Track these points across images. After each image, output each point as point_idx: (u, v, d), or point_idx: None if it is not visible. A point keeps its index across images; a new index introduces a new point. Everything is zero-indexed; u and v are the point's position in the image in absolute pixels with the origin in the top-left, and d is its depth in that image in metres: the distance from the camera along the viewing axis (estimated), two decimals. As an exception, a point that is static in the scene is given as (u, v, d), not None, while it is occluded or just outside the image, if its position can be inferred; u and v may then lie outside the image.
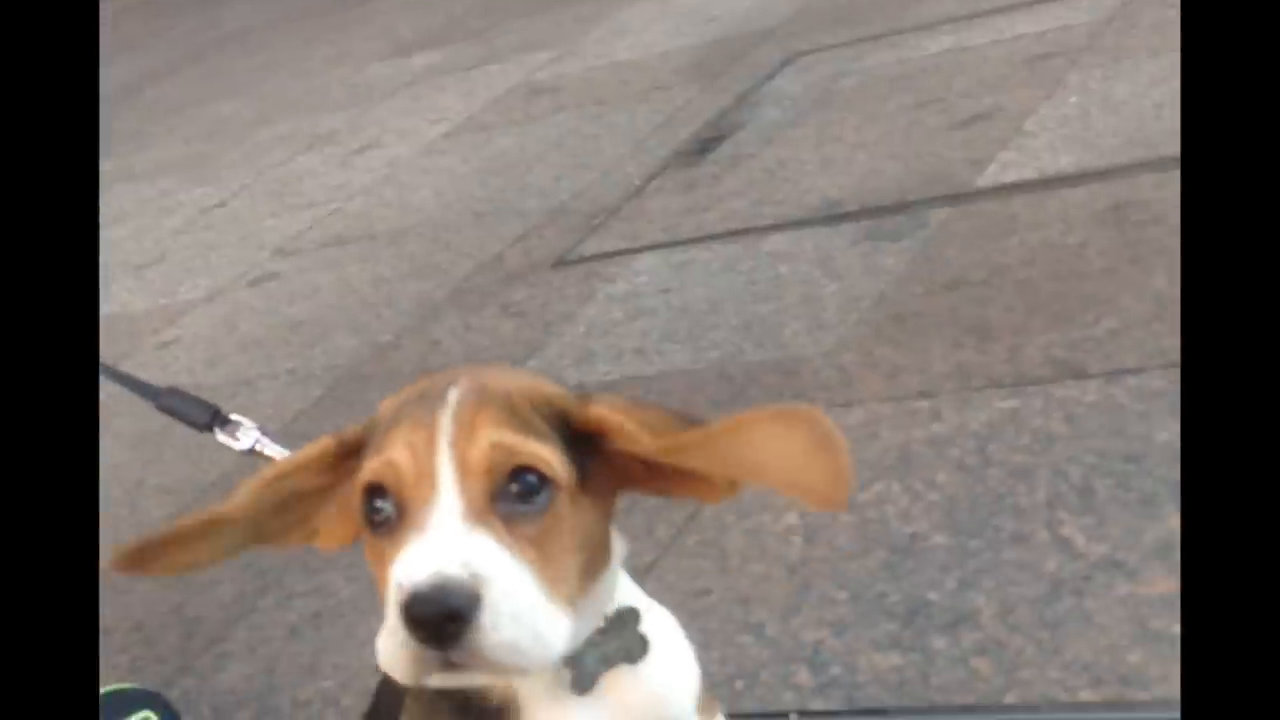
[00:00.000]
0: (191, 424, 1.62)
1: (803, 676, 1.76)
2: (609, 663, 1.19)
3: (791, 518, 2.06)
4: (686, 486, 1.15)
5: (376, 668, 1.55)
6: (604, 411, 1.13)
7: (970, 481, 2.02)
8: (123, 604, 2.45)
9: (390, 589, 1.05)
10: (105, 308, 3.90)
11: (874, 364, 2.38)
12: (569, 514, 1.11)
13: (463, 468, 1.08)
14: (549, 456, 1.09)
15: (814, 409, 1.10)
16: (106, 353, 3.37)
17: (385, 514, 1.10)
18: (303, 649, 2.16)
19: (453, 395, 1.11)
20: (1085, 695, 1.61)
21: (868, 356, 2.41)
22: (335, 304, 3.43)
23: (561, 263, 3.23)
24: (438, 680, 1.08)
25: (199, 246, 4.20)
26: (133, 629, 2.37)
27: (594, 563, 1.14)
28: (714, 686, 1.41)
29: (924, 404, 2.23)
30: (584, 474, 1.13)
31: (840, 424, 2.20)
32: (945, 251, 2.68)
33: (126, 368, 3.36)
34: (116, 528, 2.72)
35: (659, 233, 3.19)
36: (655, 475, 1.16)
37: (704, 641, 1.31)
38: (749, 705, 1.72)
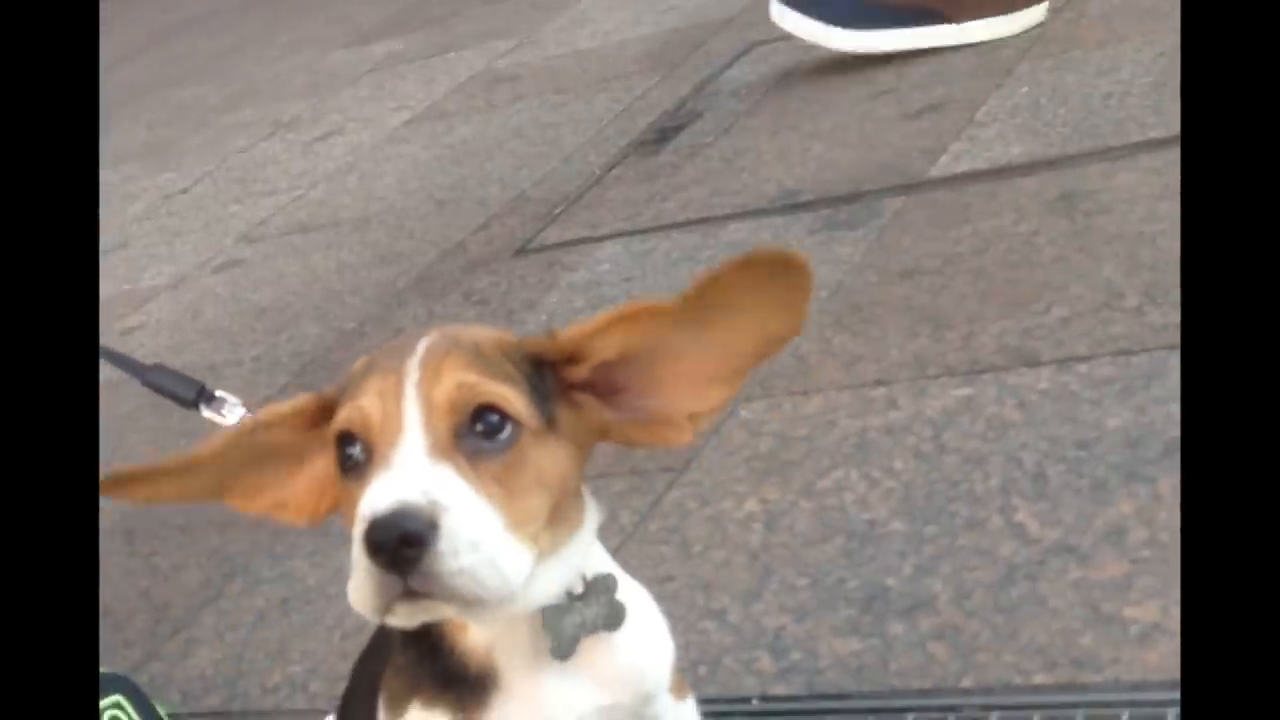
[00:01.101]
0: (178, 400, 1.65)
1: (764, 662, 1.81)
2: (587, 629, 1.24)
3: (752, 504, 2.10)
4: (651, 431, 1.21)
5: (345, 653, 1.59)
6: (575, 330, 1.19)
7: (926, 468, 2.06)
8: (91, 590, 2.48)
9: (355, 524, 1.09)
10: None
11: (832, 352, 2.42)
12: (533, 454, 1.15)
13: (427, 408, 1.13)
14: (511, 396, 1.14)
15: (776, 247, 1.16)
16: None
17: (355, 459, 1.15)
18: (270, 635, 2.19)
19: (422, 345, 1.17)
20: (1039, 678, 1.65)
21: (826, 345, 2.45)
22: (300, 291, 3.45)
23: (523, 251, 3.26)
24: (402, 615, 1.11)
25: (163, 233, 4.21)
26: (101, 613, 2.40)
27: (563, 512, 1.19)
28: (676, 671, 1.45)
29: (881, 392, 2.27)
30: (553, 422, 1.17)
31: (799, 413, 2.25)
32: (900, 240, 2.72)
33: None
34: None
35: (620, 221, 3.22)
36: (624, 420, 1.21)
37: (667, 627, 1.35)
38: (711, 690, 1.76)
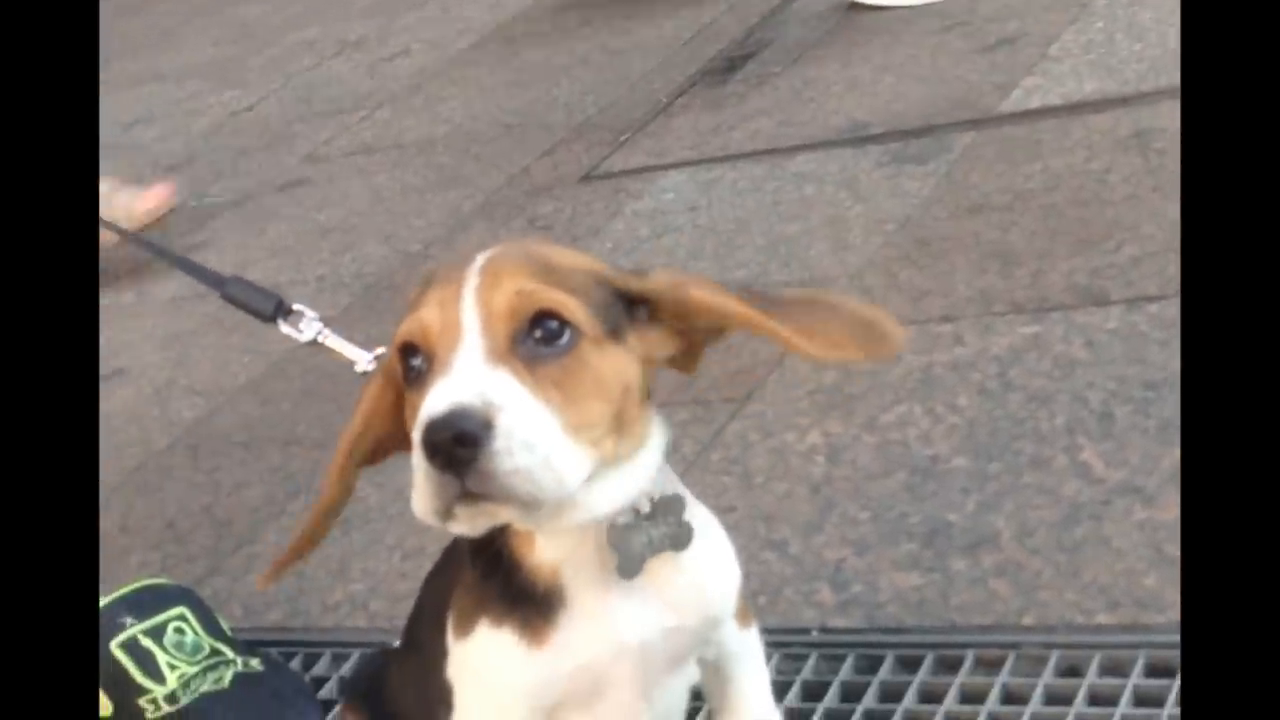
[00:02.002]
0: (256, 313, 1.65)
1: (825, 594, 1.81)
2: (655, 548, 1.24)
3: (815, 437, 2.10)
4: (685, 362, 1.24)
5: (404, 573, 1.60)
6: (669, 283, 1.21)
7: (991, 406, 2.05)
8: (156, 502, 2.50)
9: (415, 430, 1.10)
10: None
11: (898, 287, 2.41)
12: (594, 361, 1.16)
13: (486, 314, 1.14)
14: (570, 304, 1.15)
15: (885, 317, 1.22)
16: (135, 252, 3.40)
17: (418, 369, 1.16)
18: (331, 553, 2.20)
19: (484, 255, 1.18)
20: (1101, 618, 1.65)
21: (892, 279, 2.43)
22: (365, 212, 3.45)
23: (588, 177, 3.25)
24: (463, 519, 1.12)
25: (227, 150, 4.21)
26: (165, 527, 2.42)
27: (628, 423, 1.19)
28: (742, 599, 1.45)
29: (947, 328, 2.26)
30: (618, 334, 1.18)
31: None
32: (970, 176, 2.70)
33: (155, 267, 3.40)
34: (144, 427, 2.76)
35: (686, 150, 3.21)
36: (684, 353, 1.23)
37: (734, 553, 1.35)
38: (771, 621, 1.76)
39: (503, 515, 1.14)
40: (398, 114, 4.05)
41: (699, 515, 1.29)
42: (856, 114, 3.11)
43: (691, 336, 1.23)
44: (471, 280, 1.15)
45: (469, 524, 1.14)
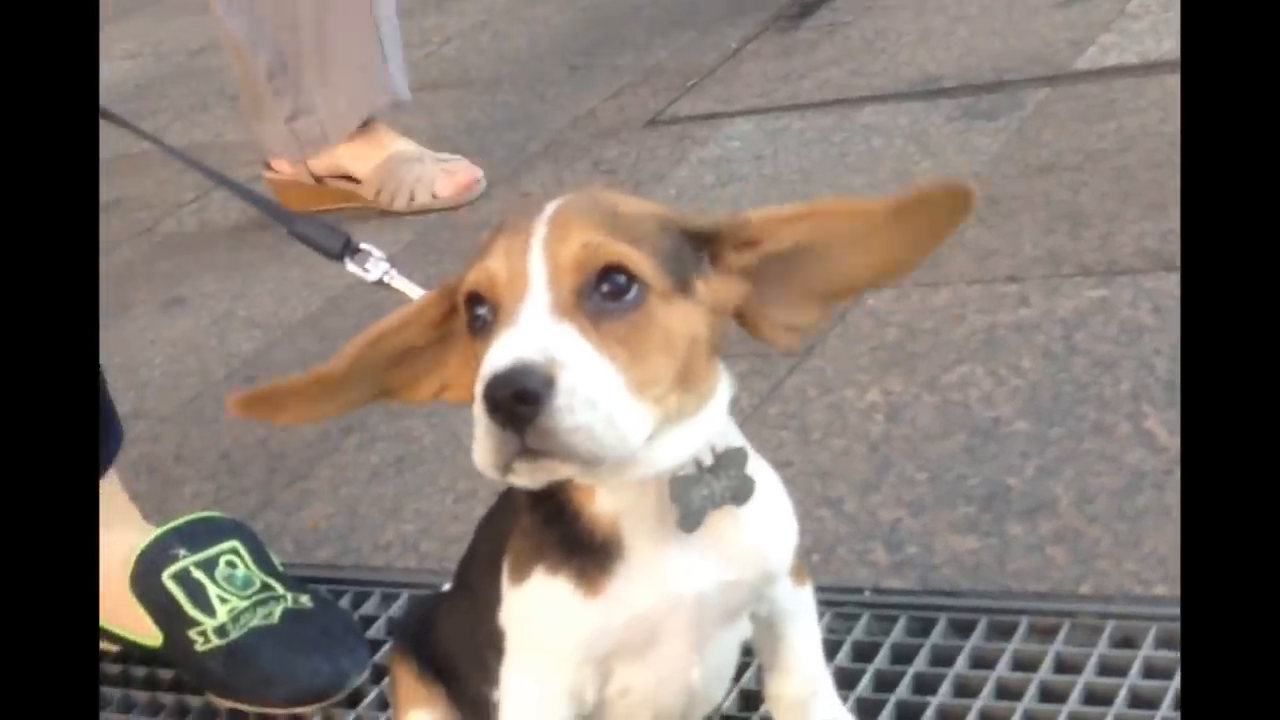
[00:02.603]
0: (323, 251, 1.65)
1: (879, 554, 1.79)
2: (715, 501, 1.23)
3: (875, 395, 2.08)
4: (768, 327, 1.22)
5: (456, 515, 1.59)
6: (767, 212, 1.20)
7: (1055, 369, 2.03)
8: (211, 433, 2.50)
9: (478, 383, 1.09)
10: (200, 136, 3.93)
11: (964, 244, 2.38)
12: (661, 316, 1.14)
13: (552, 266, 1.12)
14: (639, 257, 1.13)
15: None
16: (200, 181, 3.40)
17: (483, 319, 1.15)
18: (384, 492, 2.20)
19: (553, 204, 1.16)
20: (1160, 589, 1.63)
21: (959, 237, 2.39)
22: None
23: (654, 122, 3.23)
24: (523, 474, 1.11)
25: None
26: (220, 458, 2.42)
27: (693, 377, 1.17)
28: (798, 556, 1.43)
29: (1013, 288, 2.23)
30: (687, 287, 1.16)
31: (927, 305, 2.23)
32: (1041, 133, 2.67)
33: (218, 197, 3.39)
34: (202, 358, 2.76)
35: (754, 97, 3.18)
36: (754, 309, 1.21)
37: (792, 509, 1.33)
38: (824, 579, 1.74)
39: (563, 471, 1.12)
40: (464, 50, 4.03)
41: (759, 469, 1.27)
42: (928, 66, 3.07)
43: (761, 282, 1.21)
44: (540, 231, 1.14)
45: (529, 478, 1.13)
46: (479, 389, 1.08)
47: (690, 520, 1.22)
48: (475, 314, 1.16)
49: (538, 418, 1.06)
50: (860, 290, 1.24)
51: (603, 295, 1.12)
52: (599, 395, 1.09)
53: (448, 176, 3.10)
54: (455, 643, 1.43)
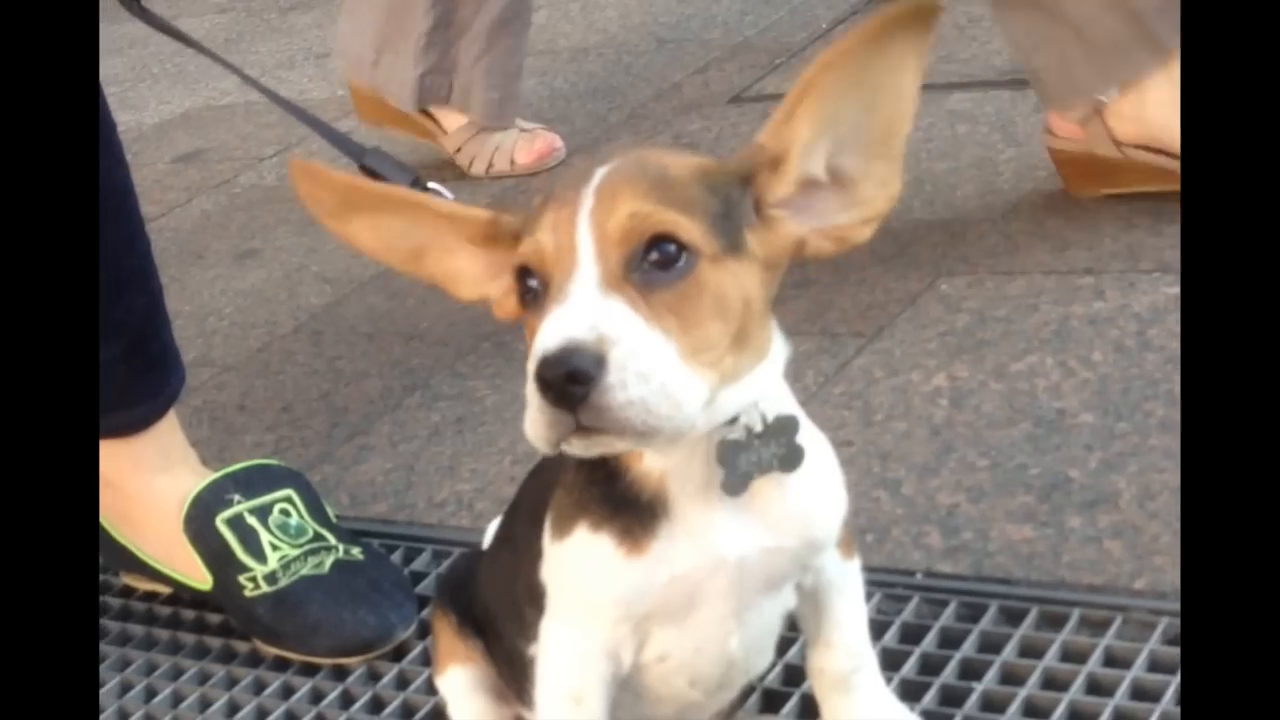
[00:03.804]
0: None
1: (934, 538, 1.77)
2: (762, 468, 1.21)
3: (941, 379, 2.05)
4: (837, 237, 1.18)
5: (513, 477, 1.59)
6: (770, 125, 1.17)
7: (1126, 363, 1.99)
8: (276, 384, 2.50)
9: (530, 360, 1.08)
10: (284, 92, 3.92)
11: (1043, 235, 2.35)
12: (712, 280, 1.12)
13: (600, 238, 1.11)
14: (686, 224, 1.11)
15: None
16: (282, 136, 3.42)
17: (534, 291, 1.14)
18: (443, 450, 2.20)
19: (600, 171, 1.14)
20: (1216, 590, 1.60)
21: (1038, 227, 2.37)
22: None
23: (739, 99, 3.21)
24: (577, 448, 1.10)
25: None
26: (282, 410, 2.43)
27: (748, 337, 1.16)
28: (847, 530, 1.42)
29: (1088, 280, 2.20)
30: (738, 246, 1.14)
31: (1000, 292, 2.20)
32: (1130, 129, 2.63)
33: (298, 153, 3.40)
34: (272, 310, 2.77)
35: (840, 78, 3.15)
36: (813, 231, 1.18)
37: (843, 480, 1.31)
38: (876, 560, 1.73)
39: (618, 446, 1.12)
40: (553, 19, 4.02)
41: (811, 438, 1.26)
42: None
43: (812, 198, 1.18)
44: (586, 202, 1.12)
45: (583, 451, 1.12)
46: (531, 367, 1.07)
47: (734, 485, 1.21)
48: (527, 285, 1.15)
49: (590, 396, 1.05)
50: (902, 129, 1.18)
51: (652, 264, 1.11)
52: (651, 368, 1.07)
53: (527, 144, 3.10)
54: (494, 596, 1.42)
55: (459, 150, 3.13)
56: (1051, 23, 2.33)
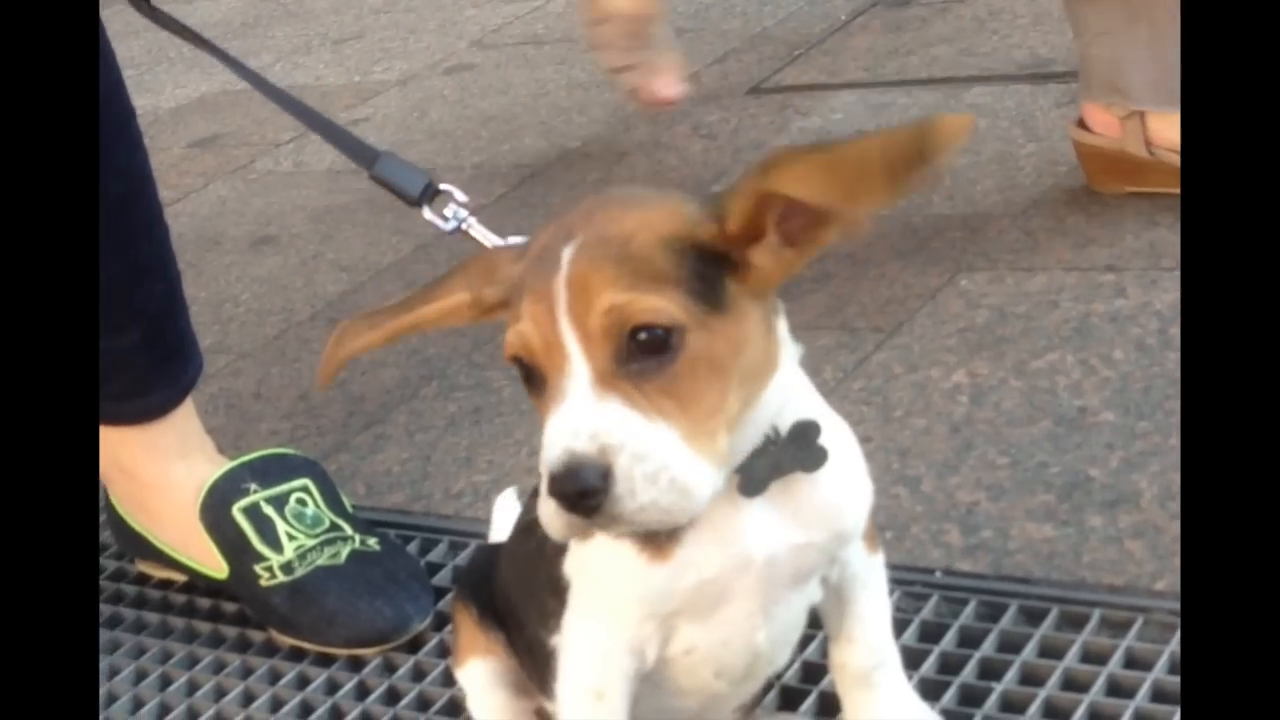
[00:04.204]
0: (401, 197, 1.65)
1: (953, 536, 1.76)
2: (783, 471, 1.21)
3: (960, 376, 2.04)
4: (826, 235, 1.13)
5: (530, 469, 1.58)
6: (736, 205, 1.12)
7: (1147, 362, 1.99)
8: (292, 372, 2.50)
9: (541, 456, 1.10)
10: (300, 78, 3.93)
11: (1064, 231, 2.34)
12: (703, 348, 1.11)
13: (583, 335, 1.10)
14: (664, 305, 1.10)
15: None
16: (298, 122, 3.39)
17: (532, 378, 1.14)
18: (459, 441, 2.19)
19: (566, 255, 1.12)
20: (1238, 593, 1.59)
21: (1059, 223, 2.36)
22: (528, 103, 3.42)
23: (757, 90, 3.19)
24: (601, 535, 1.15)
25: (398, 28, 4.20)
26: (299, 398, 2.42)
27: (751, 375, 1.15)
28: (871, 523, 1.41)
29: (1110, 278, 2.19)
30: (721, 302, 1.12)
31: (1021, 289, 2.19)
32: (1151, 125, 2.61)
33: (315, 139, 3.39)
34: (288, 297, 2.77)
35: (860, 71, 3.14)
36: (804, 245, 1.14)
37: (868, 471, 1.31)
38: (895, 557, 1.72)
39: (633, 534, 1.17)
40: (571, 7, 4.00)
41: (834, 430, 1.25)
42: (1040, 50, 3.02)
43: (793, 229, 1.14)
44: (560, 295, 1.10)
45: (609, 536, 1.17)
46: (543, 470, 1.09)
47: (752, 487, 1.20)
48: (522, 368, 1.15)
49: (603, 506, 1.08)
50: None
51: (641, 350, 1.10)
52: (658, 468, 1.09)
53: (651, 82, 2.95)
54: (515, 584, 1.41)
55: None
56: (1129, 20, 2.30)
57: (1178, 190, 2.29)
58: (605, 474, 1.07)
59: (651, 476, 1.08)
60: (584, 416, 1.09)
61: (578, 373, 1.10)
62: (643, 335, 1.10)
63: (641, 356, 1.10)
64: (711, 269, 1.13)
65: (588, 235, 1.13)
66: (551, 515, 1.10)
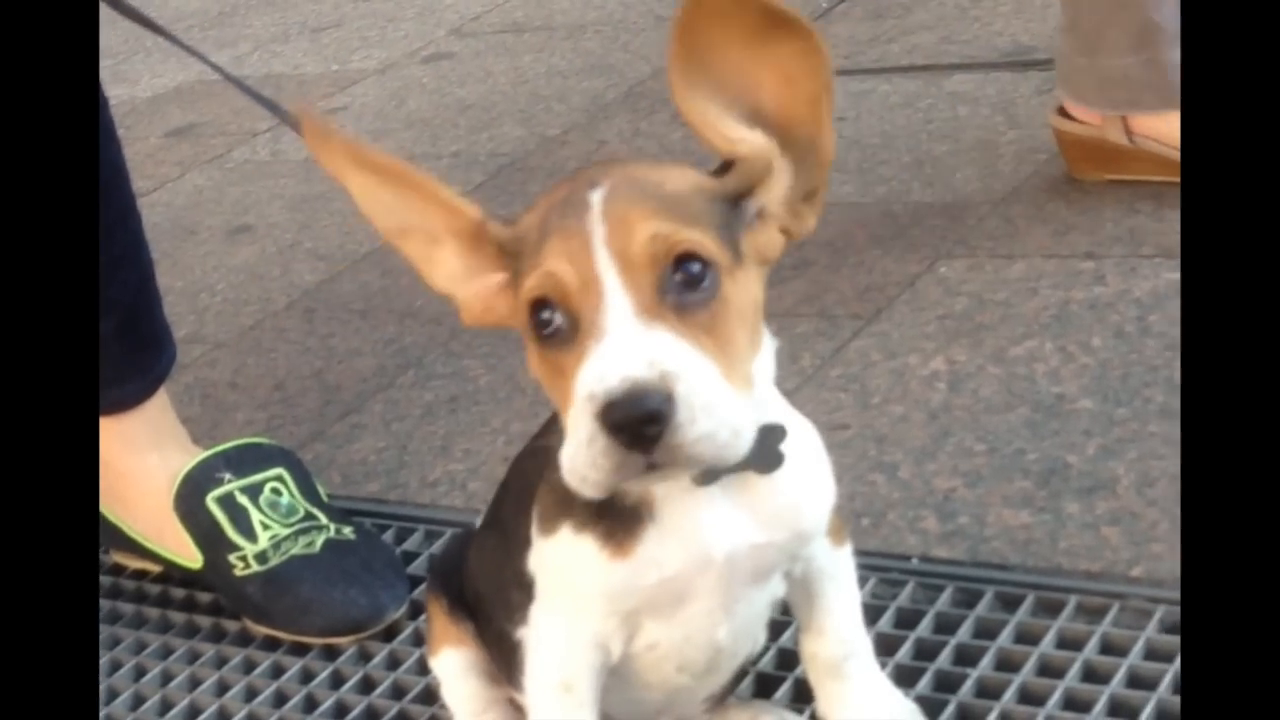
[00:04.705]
0: None
1: (930, 522, 1.75)
2: (737, 468, 1.18)
3: (939, 363, 2.04)
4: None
5: (506, 457, 1.58)
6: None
7: (1126, 349, 1.98)
8: (268, 361, 2.49)
9: (578, 400, 1.05)
10: (278, 67, 3.91)
11: (1043, 218, 2.33)
12: (734, 295, 1.11)
13: (625, 265, 1.07)
14: (708, 240, 1.09)
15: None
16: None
17: (555, 324, 1.10)
18: (436, 430, 2.18)
19: (597, 196, 1.10)
20: (1215, 579, 1.58)
21: (1039, 210, 2.36)
22: (506, 92, 3.41)
23: (737, 77, 3.18)
24: (636, 485, 1.12)
25: (376, 17, 4.18)
26: (274, 388, 2.41)
27: (753, 344, 1.14)
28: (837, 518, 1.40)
29: (1089, 265, 2.18)
30: (739, 254, 1.13)
31: (1000, 276, 2.18)
32: (1131, 112, 2.61)
33: (291, 131, 3.38)
34: (265, 286, 2.75)
35: (840, 59, 3.13)
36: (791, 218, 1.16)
37: (836, 475, 1.30)
38: (872, 544, 1.72)
39: (681, 479, 1.12)
40: (551, -4, 4.00)
41: (798, 426, 1.24)
42: (1022, 37, 3.02)
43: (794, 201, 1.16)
44: (597, 229, 1.08)
45: (641, 488, 1.13)
46: (590, 410, 1.04)
47: (706, 476, 1.19)
48: (542, 318, 1.11)
49: (663, 436, 1.04)
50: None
51: (680, 286, 1.08)
52: (712, 398, 1.06)
53: None
54: (483, 579, 1.41)
55: None
56: (1068, 27, 2.32)
57: (1159, 178, 2.29)
58: (669, 399, 1.04)
59: (708, 407, 1.05)
60: (638, 344, 1.05)
61: (619, 305, 1.07)
62: (683, 270, 1.08)
63: (681, 291, 1.08)
64: (733, 225, 1.13)
65: (616, 180, 1.12)
66: (599, 456, 1.05)
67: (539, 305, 1.11)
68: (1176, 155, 2.24)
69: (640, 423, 1.03)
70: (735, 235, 1.13)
